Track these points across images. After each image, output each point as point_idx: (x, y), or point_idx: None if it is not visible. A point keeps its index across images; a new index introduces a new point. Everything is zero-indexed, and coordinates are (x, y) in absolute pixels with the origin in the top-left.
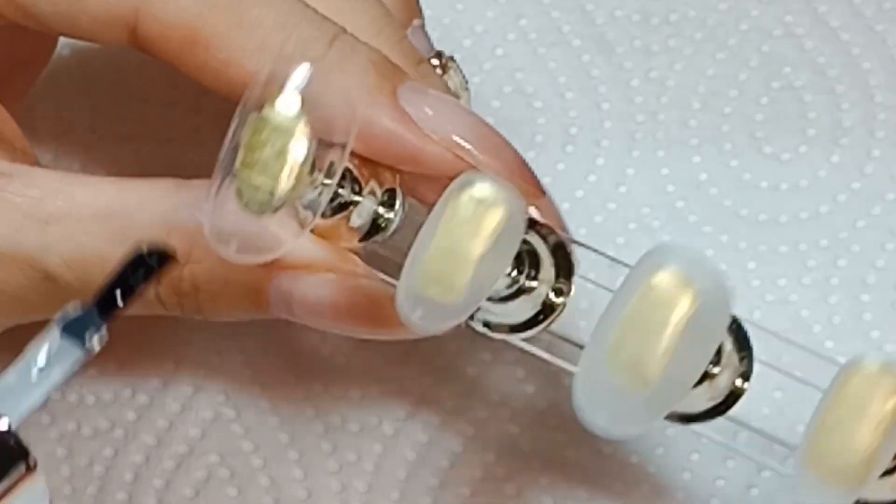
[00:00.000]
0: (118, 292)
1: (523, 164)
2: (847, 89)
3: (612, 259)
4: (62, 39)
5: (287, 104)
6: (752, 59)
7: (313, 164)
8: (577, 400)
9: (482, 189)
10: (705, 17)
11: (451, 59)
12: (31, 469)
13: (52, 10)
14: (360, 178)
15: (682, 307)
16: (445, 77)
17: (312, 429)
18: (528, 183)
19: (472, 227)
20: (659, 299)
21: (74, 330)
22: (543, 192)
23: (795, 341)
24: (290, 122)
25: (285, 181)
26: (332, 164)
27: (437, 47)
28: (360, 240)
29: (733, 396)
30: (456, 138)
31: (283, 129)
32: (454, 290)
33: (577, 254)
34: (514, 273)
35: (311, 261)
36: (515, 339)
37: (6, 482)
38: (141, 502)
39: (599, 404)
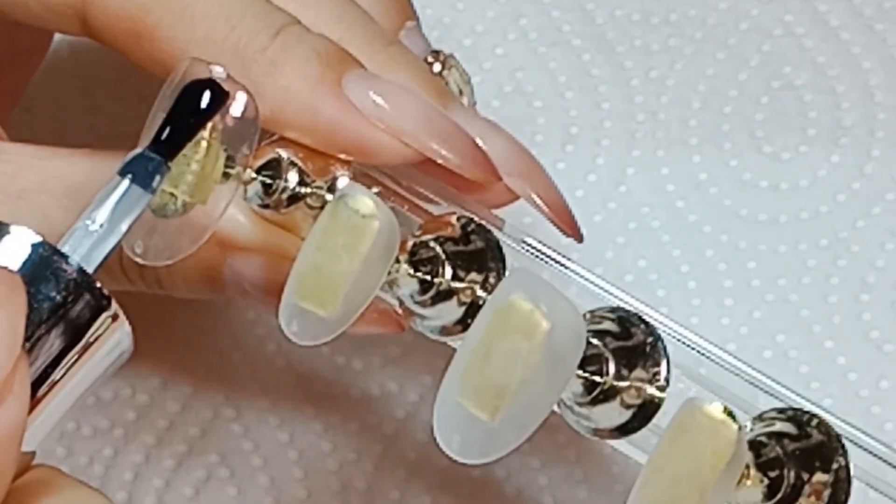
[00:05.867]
0: (176, 130)
1: (475, 148)
2: (847, 89)
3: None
4: (61, 39)
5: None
6: (753, 59)
7: (230, 159)
8: (434, 423)
9: (357, 202)
10: (705, 17)
11: (451, 56)
12: (115, 316)
13: None
14: (307, 170)
15: (532, 336)
16: (446, 73)
17: (312, 428)
18: (482, 169)
19: (345, 241)
20: (509, 327)
21: (139, 173)
22: (500, 177)
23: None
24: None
25: (184, 187)
26: (273, 159)
27: (438, 47)
28: None
29: (649, 406)
30: (402, 124)
31: None
32: (327, 304)
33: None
34: (419, 273)
35: (264, 245)
36: (452, 341)
37: (93, 330)
38: (141, 501)
39: (453, 429)
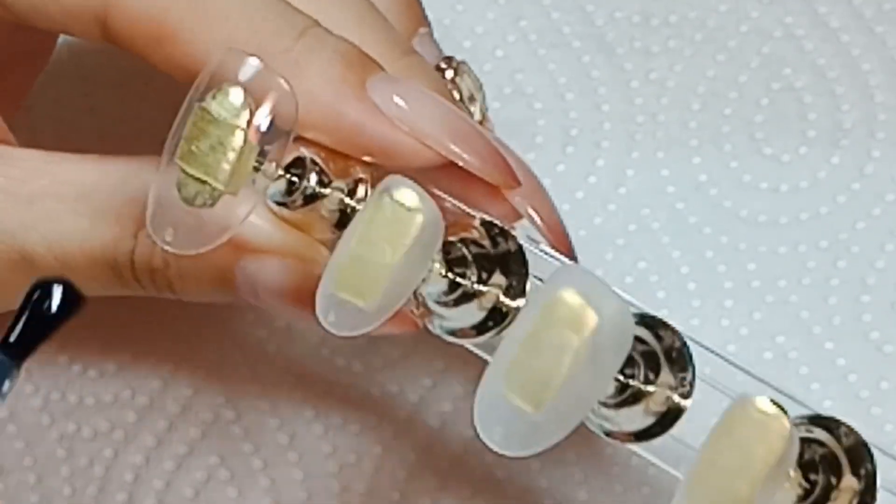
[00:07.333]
0: (26, 334)
1: (497, 153)
2: (847, 90)
3: (564, 261)
4: (63, 41)
5: (229, 98)
6: (753, 61)
7: (261, 154)
8: (475, 414)
9: (402, 195)
10: (705, 19)
11: (463, 62)
12: None
13: (25, 1)
14: (328, 171)
15: (581, 331)
16: (458, 80)
17: (312, 430)
18: (502, 173)
19: (389, 233)
20: (558, 321)
21: None
22: (519, 182)
23: (744, 367)
24: (229, 116)
25: (219, 176)
26: (297, 158)
27: (430, 28)
28: (332, 231)
29: (673, 414)
30: (425, 127)
31: (220, 122)
32: (367, 296)
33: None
34: (450, 274)
35: (277, 247)
36: (468, 343)
37: None
38: (141, 503)
39: (495, 421)
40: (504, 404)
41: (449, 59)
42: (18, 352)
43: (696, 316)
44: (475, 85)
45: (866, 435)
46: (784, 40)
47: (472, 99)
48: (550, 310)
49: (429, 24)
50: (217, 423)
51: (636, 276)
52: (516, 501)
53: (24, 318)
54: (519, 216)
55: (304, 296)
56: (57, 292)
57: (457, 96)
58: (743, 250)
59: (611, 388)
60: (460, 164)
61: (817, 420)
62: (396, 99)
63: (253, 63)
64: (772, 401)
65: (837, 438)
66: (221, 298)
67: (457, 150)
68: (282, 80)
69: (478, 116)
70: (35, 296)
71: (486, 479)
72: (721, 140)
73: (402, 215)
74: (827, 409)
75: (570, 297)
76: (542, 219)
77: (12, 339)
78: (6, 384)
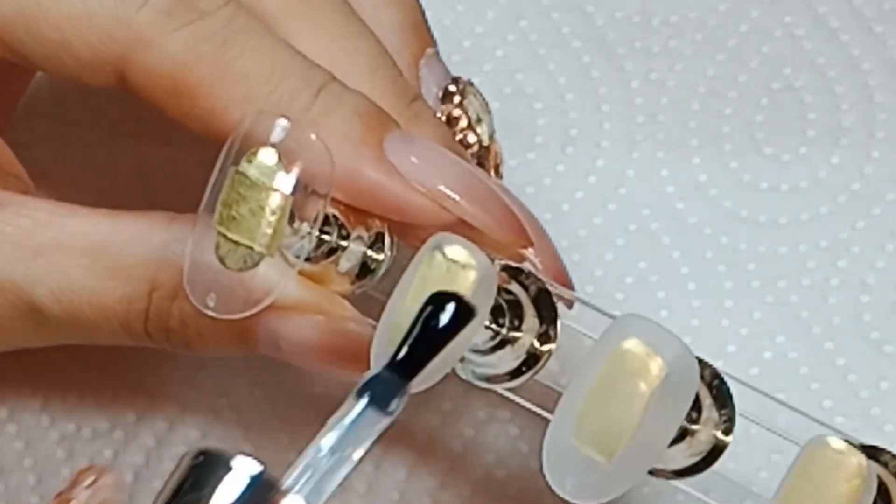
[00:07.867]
0: (417, 349)
1: (511, 213)
2: (847, 90)
3: (598, 310)
4: None
5: (264, 161)
6: (752, 61)
7: (292, 214)
8: (545, 465)
9: (454, 251)
10: (705, 19)
11: (469, 83)
12: None
13: (40, 51)
14: (347, 224)
15: (649, 380)
16: (465, 102)
17: (313, 430)
18: (515, 233)
19: (445, 289)
20: (626, 371)
21: (377, 397)
22: (531, 243)
23: (782, 401)
24: (266, 179)
25: (261, 239)
26: (317, 215)
27: (436, 48)
28: (352, 283)
29: (716, 451)
30: (442, 188)
31: (259, 186)
32: None
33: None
34: (494, 325)
35: (299, 303)
36: (500, 388)
37: None
38: (141, 503)
39: (567, 471)
40: (574, 455)
41: (456, 80)
42: (408, 370)
43: (696, 316)
44: (482, 107)
45: (866, 435)
46: (784, 40)
47: (479, 121)
48: (617, 361)
49: (435, 45)
50: (216, 423)
51: (636, 276)
52: (516, 501)
53: (414, 334)
54: (522, 259)
55: (331, 351)
56: (450, 307)
57: (464, 121)
58: (743, 250)
59: (678, 424)
60: (475, 224)
61: (861, 449)
62: (413, 159)
63: (283, 124)
64: (845, 440)
65: (884, 465)
66: (239, 353)
67: (472, 211)
68: (314, 137)
69: (486, 140)
70: (427, 311)
71: (486, 479)
72: (721, 140)
73: (457, 272)
74: (827, 408)
75: (636, 346)
76: (544, 265)
77: (401, 356)
78: (395, 402)
